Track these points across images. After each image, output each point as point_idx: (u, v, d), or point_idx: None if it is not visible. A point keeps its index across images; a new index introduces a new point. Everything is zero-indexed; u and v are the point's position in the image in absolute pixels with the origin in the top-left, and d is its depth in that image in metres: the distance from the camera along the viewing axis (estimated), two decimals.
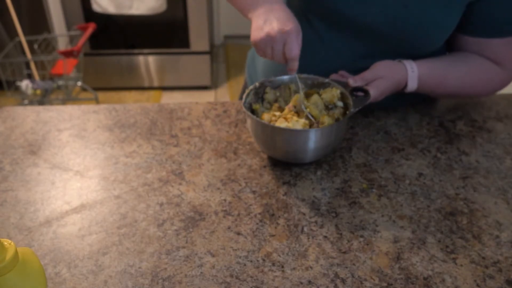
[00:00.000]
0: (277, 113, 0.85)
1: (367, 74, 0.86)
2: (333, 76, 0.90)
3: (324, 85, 0.88)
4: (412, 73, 0.87)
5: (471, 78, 0.90)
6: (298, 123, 0.81)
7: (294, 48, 0.77)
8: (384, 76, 0.86)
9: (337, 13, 0.87)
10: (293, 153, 0.82)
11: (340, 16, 0.87)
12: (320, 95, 0.87)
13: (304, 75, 0.90)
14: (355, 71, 0.90)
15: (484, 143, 0.91)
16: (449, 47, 0.95)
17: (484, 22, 0.86)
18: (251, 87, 0.87)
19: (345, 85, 0.87)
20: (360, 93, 0.85)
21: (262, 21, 0.80)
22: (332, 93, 0.86)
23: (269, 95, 0.89)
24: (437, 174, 0.84)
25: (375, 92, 0.85)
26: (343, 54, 0.93)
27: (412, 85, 0.88)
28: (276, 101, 0.89)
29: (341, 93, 0.86)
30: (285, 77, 0.89)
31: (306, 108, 0.84)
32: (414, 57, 0.90)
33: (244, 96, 0.85)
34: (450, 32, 0.87)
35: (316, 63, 0.95)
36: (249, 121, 0.84)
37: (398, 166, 0.86)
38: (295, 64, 0.79)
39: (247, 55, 1.20)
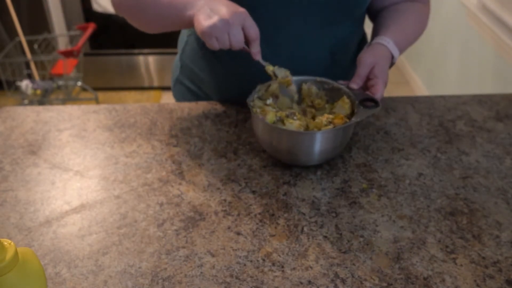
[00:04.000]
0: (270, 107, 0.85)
1: (360, 71, 0.86)
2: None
3: (336, 91, 0.88)
4: (389, 44, 0.90)
5: (416, 22, 0.99)
6: (292, 125, 0.81)
7: (255, 27, 0.78)
8: (376, 62, 0.87)
9: None
10: (299, 156, 0.82)
11: None
12: (332, 109, 0.87)
13: (320, 79, 0.89)
14: (321, 58, 0.93)
15: (484, 143, 0.91)
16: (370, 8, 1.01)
17: None
18: (258, 87, 0.87)
19: (357, 93, 0.85)
20: (370, 103, 0.84)
21: (209, 10, 0.76)
22: (344, 106, 0.85)
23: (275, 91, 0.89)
24: (437, 174, 0.84)
25: (381, 88, 0.85)
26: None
27: (396, 53, 0.91)
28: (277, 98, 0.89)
29: (351, 102, 0.85)
30: (308, 77, 0.90)
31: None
32: (348, 22, 0.94)
33: (250, 96, 0.85)
34: None
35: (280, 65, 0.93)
36: (254, 122, 0.84)
37: (398, 166, 0.86)
38: (258, 45, 0.80)
39: (172, 81, 1.15)
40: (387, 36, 0.91)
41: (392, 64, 0.92)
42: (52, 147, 0.91)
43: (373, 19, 1.03)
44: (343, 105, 0.85)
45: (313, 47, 0.93)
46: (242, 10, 0.77)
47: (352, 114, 0.84)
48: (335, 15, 0.91)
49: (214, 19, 0.75)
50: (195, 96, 1.07)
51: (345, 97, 0.86)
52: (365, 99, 0.84)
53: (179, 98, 1.12)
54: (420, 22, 1.00)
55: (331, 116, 0.83)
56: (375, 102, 0.83)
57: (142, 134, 0.94)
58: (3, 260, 0.49)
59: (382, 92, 0.85)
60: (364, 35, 1.05)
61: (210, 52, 0.97)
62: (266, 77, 0.86)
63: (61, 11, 2.78)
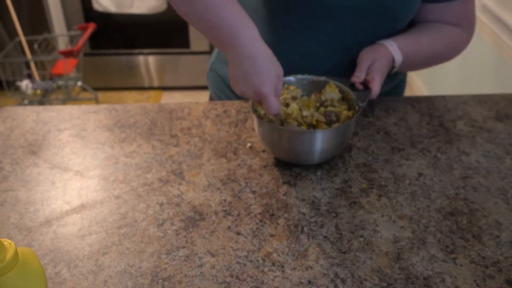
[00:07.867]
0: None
1: (361, 66, 0.89)
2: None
3: (321, 84, 0.89)
4: (392, 47, 0.91)
5: (440, 42, 0.97)
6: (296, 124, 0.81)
7: (272, 108, 0.76)
8: (375, 58, 0.89)
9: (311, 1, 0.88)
10: (300, 155, 0.82)
11: (312, 2, 0.88)
12: (320, 95, 0.88)
13: (299, 76, 0.89)
14: (341, 62, 0.94)
15: (484, 143, 0.91)
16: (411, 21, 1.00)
17: None
18: None
19: (344, 82, 0.88)
20: (360, 87, 0.87)
21: (239, 70, 0.76)
22: (333, 91, 0.87)
23: None
24: (437, 174, 0.84)
25: (378, 84, 0.87)
26: (324, 47, 0.94)
27: (398, 58, 0.92)
28: None
29: (340, 91, 0.87)
30: (285, 78, 0.89)
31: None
32: (387, 35, 0.94)
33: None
34: None
35: (297, 66, 0.94)
36: (255, 122, 0.84)
37: (398, 166, 0.86)
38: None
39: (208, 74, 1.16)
40: (393, 40, 0.92)
41: (392, 68, 0.93)
42: (52, 147, 0.91)
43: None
44: (332, 90, 0.87)
45: (339, 52, 0.94)
46: (265, 91, 0.74)
47: (350, 111, 0.85)
48: (373, 28, 0.92)
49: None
50: (226, 85, 1.08)
51: (330, 83, 0.88)
52: (352, 85, 0.88)
53: (211, 85, 1.13)
54: (447, 43, 0.98)
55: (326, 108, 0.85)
56: (364, 86, 0.87)
57: (142, 134, 0.94)
58: (3, 260, 0.49)
59: (379, 87, 0.87)
60: None
61: None
62: (290, 71, 0.88)
63: (61, 11, 2.78)
